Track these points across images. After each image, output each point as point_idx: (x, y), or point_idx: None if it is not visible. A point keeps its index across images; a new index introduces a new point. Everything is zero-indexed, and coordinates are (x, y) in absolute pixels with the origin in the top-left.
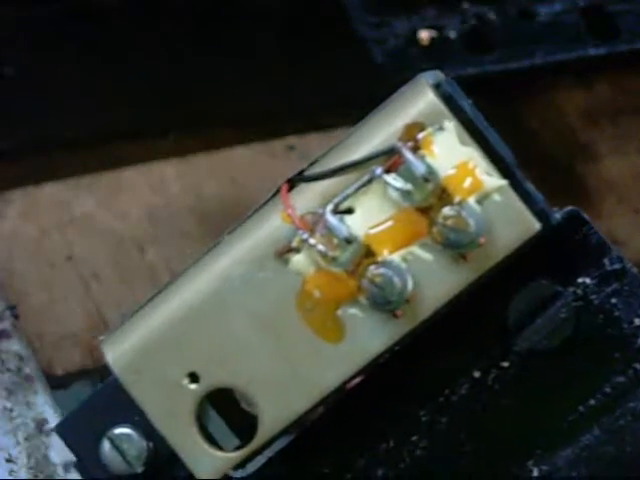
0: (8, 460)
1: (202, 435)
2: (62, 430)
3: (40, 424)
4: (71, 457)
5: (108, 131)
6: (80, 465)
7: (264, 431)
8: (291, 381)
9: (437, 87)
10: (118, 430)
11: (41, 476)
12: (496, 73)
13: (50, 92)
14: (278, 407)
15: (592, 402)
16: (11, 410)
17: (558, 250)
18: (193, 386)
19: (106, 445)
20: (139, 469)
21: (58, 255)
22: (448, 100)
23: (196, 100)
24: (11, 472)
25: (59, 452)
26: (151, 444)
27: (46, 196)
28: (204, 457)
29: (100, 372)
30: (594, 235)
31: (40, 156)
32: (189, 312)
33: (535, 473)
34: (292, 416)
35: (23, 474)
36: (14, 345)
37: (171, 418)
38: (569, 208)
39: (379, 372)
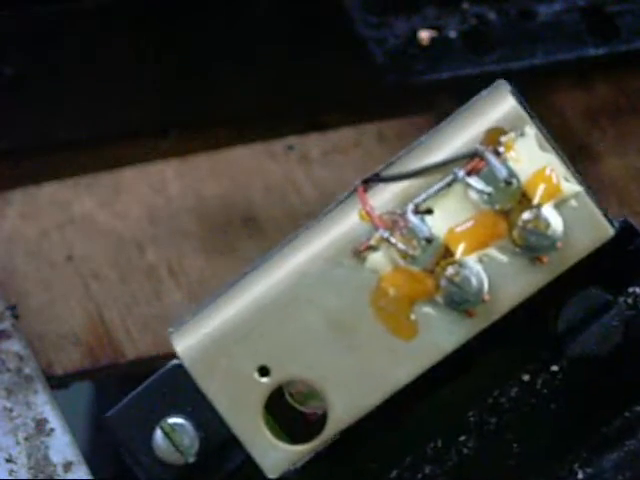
0: (8, 460)
1: (269, 428)
2: (113, 419)
3: (40, 424)
4: (71, 457)
5: (108, 131)
6: (129, 454)
7: (333, 425)
8: (362, 376)
9: (514, 94)
10: (171, 420)
11: (41, 476)
12: (496, 73)
13: (50, 92)
14: (348, 401)
15: (638, 408)
16: (11, 410)
17: (610, 259)
18: (264, 379)
19: (159, 435)
20: (191, 459)
21: (58, 255)
22: (524, 107)
23: (196, 100)
24: (11, 472)
25: (59, 452)
26: (203, 435)
27: (46, 196)
28: (272, 450)
29: (100, 372)
30: None
31: (40, 156)
32: (263, 306)
33: (580, 475)
34: (362, 410)
35: (23, 474)
36: (14, 345)
37: (239, 411)
38: (621, 218)
39: (429, 371)
